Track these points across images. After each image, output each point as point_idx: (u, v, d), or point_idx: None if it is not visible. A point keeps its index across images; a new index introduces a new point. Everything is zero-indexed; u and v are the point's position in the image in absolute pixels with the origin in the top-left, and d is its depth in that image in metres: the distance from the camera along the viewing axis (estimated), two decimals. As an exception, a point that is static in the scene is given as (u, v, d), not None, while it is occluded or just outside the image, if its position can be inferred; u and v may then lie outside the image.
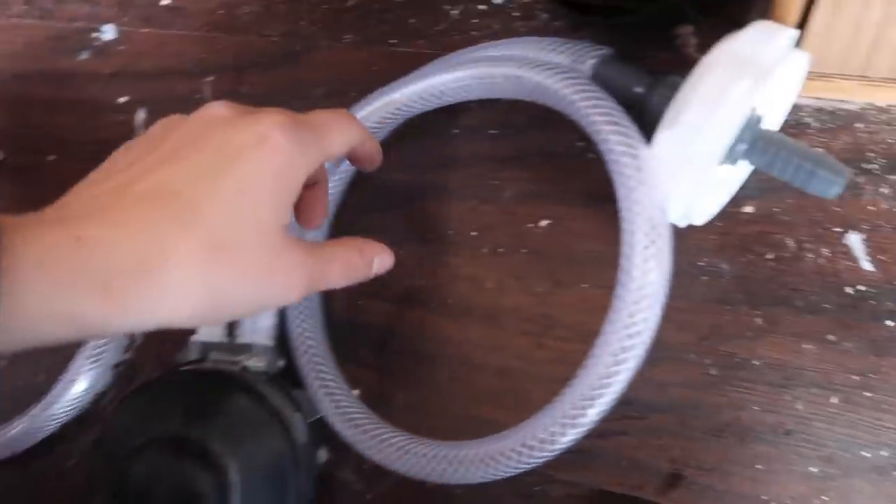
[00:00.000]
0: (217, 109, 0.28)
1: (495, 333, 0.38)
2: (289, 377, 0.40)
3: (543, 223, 0.39)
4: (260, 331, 0.40)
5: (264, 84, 0.48)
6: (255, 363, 0.38)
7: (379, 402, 0.40)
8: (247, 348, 0.39)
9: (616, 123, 0.31)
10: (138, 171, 0.25)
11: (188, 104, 0.47)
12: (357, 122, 0.32)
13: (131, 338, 0.46)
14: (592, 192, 0.38)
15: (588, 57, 0.35)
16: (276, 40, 0.48)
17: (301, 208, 0.33)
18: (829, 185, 0.29)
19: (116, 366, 0.45)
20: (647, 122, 0.32)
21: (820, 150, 0.30)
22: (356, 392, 0.40)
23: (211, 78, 0.49)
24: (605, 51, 0.35)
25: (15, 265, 0.21)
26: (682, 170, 0.29)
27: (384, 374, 0.40)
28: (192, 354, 0.40)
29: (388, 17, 0.46)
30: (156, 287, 0.23)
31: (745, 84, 0.28)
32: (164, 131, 0.28)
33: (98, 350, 0.44)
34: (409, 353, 0.40)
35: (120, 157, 0.28)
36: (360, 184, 0.43)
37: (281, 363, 0.40)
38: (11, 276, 0.21)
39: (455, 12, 0.44)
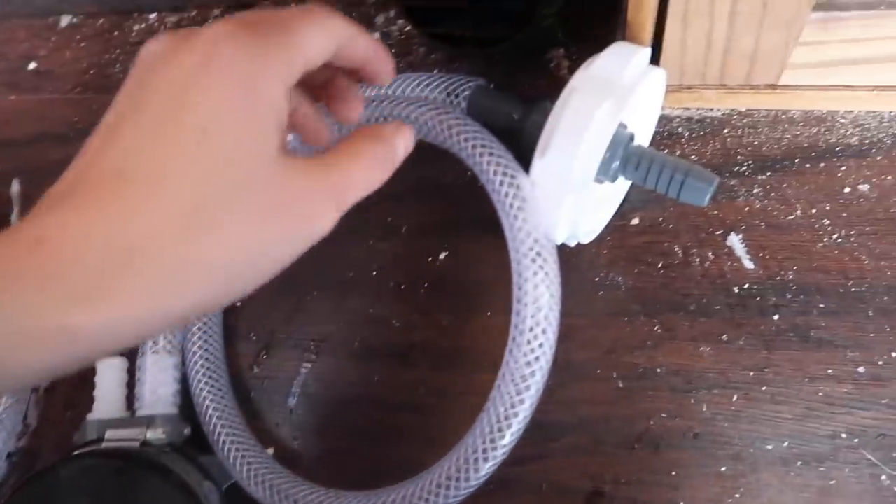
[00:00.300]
0: (153, 47, 0.22)
1: (406, 371, 0.38)
2: (198, 443, 0.38)
3: (442, 255, 0.39)
4: (161, 399, 0.38)
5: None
6: (157, 435, 0.36)
7: (296, 456, 0.38)
8: (148, 420, 0.37)
9: (492, 154, 0.31)
10: (95, 146, 0.21)
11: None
12: (338, 14, 0.25)
13: (24, 424, 0.43)
14: (486, 220, 0.38)
15: (462, 89, 0.35)
16: (152, 96, 0.47)
17: (331, 104, 0.28)
18: (701, 193, 0.30)
19: (10, 455, 0.42)
20: (523, 147, 0.32)
21: (688, 160, 0.31)
22: (270, 451, 0.39)
23: (87, 140, 0.47)
24: (478, 82, 0.36)
25: None
26: (561, 193, 0.30)
27: (298, 427, 0.39)
28: (89, 435, 0.37)
29: (266, 63, 0.45)
30: (140, 278, 0.19)
31: (607, 105, 0.28)
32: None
33: (-13, 440, 0.41)
34: (322, 402, 0.39)
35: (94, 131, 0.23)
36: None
37: (186, 431, 0.38)
38: None
39: (333, 53, 0.44)
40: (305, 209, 0.22)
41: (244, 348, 0.41)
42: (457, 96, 0.35)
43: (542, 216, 0.30)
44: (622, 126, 0.31)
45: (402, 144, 0.26)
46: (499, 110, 0.34)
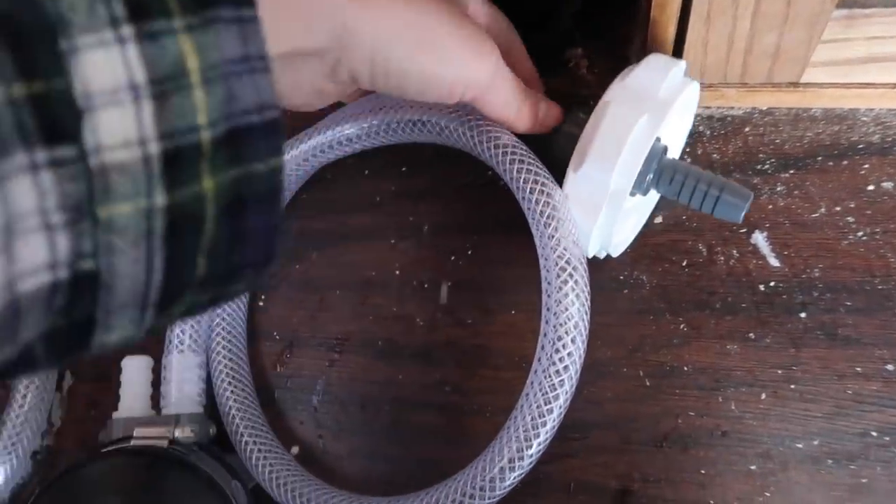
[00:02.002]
0: None
1: (430, 370, 0.38)
2: (222, 443, 0.38)
3: (464, 254, 0.39)
4: (187, 398, 0.38)
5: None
6: (185, 434, 0.36)
7: (320, 455, 0.38)
8: (174, 419, 0.37)
9: (523, 163, 0.31)
10: None
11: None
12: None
13: (49, 421, 0.43)
14: (508, 219, 0.38)
15: None
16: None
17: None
18: (736, 210, 0.29)
19: (35, 454, 0.42)
20: (553, 158, 0.32)
21: (721, 176, 0.31)
22: (295, 450, 0.39)
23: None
24: None
25: None
26: (596, 206, 0.30)
27: (322, 426, 0.39)
28: (116, 433, 0.37)
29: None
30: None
31: (644, 120, 0.28)
32: None
33: (13, 438, 0.41)
34: (347, 401, 0.39)
35: None
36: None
37: (212, 430, 0.38)
38: None
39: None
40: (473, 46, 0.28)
41: (268, 347, 0.41)
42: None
43: (574, 229, 0.30)
44: (656, 139, 0.31)
45: (543, 106, 0.32)
46: None
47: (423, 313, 0.39)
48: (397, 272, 0.40)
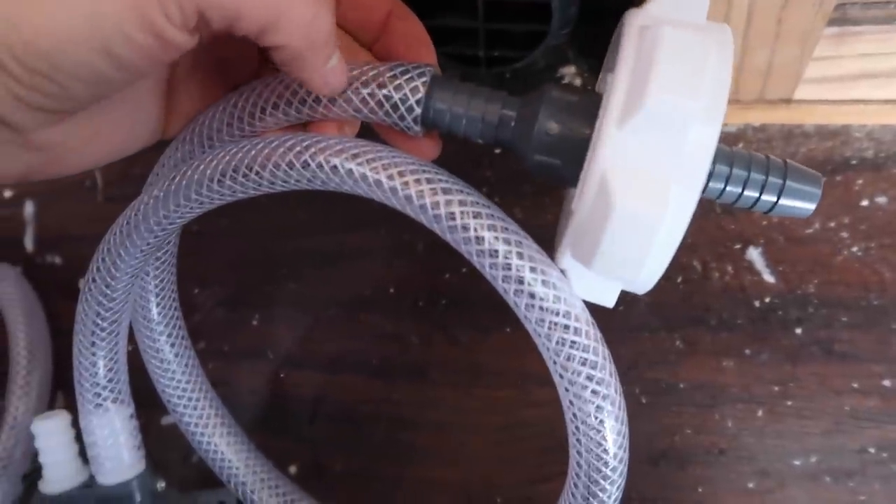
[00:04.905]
0: None
1: (425, 388, 0.38)
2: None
3: (460, 271, 0.39)
4: (126, 465, 0.31)
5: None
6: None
7: (318, 473, 0.38)
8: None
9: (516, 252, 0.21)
10: None
11: (79, 192, 0.46)
12: None
13: (40, 445, 0.42)
14: (504, 236, 0.38)
15: (413, 89, 0.22)
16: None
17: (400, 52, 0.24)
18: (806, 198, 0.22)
19: (26, 476, 0.41)
20: (528, 156, 0.22)
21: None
22: (292, 469, 0.38)
23: (104, 161, 0.47)
24: (427, 69, 0.23)
25: None
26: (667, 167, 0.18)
27: (319, 444, 0.39)
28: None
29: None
30: None
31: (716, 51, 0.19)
32: None
33: (3, 461, 0.40)
34: (342, 419, 0.39)
35: None
36: (270, 252, 0.42)
37: (161, 485, 0.33)
38: None
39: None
40: None
41: (263, 366, 0.41)
42: (404, 103, 0.22)
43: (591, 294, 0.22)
44: None
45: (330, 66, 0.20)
46: (477, 108, 0.23)
47: (418, 332, 0.39)
48: (392, 290, 0.40)
